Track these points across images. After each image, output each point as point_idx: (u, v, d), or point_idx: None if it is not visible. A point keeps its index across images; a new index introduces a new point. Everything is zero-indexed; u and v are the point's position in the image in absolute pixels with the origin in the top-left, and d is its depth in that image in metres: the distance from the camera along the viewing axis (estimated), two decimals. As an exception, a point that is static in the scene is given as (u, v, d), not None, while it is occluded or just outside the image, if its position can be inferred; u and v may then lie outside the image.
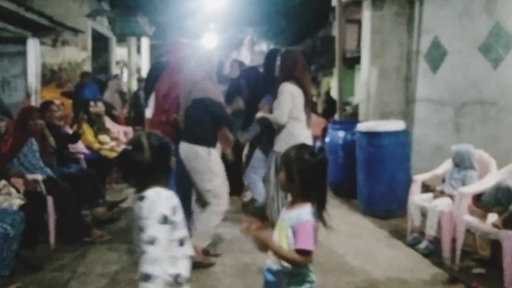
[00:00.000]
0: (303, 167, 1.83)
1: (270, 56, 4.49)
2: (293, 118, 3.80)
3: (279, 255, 1.83)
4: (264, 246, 1.82)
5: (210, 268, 3.47)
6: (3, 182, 3.44)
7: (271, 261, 1.90)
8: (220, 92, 3.57)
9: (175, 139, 3.82)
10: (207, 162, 3.43)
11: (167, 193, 1.72)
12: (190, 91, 3.45)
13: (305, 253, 1.78)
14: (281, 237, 1.84)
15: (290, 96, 3.74)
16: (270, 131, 4.02)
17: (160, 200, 1.67)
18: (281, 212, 1.97)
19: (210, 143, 3.48)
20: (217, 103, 3.46)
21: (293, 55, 3.97)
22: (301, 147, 1.93)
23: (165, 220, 1.65)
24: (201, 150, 3.42)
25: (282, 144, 3.65)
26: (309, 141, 3.83)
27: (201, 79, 3.44)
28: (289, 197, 1.97)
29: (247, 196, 5.29)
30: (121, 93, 9.20)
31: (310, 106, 3.98)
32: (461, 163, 3.79)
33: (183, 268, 1.73)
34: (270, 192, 3.94)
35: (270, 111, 3.92)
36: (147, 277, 1.61)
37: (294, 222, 1.81)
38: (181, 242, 1.73)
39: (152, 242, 1.62)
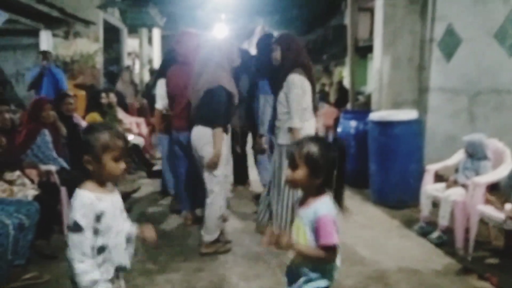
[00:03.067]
0: (329, 161, 1.80)
1: (264, 41, 4.40)
2: (302, 110, 3.68)
3: (306, 255, 1.80)
4: (289, 249, 1.79)
5: (222, 258, 3.50)
6: (17, 173, 3.50)
7: (293, 258, 1.89)
8: (232, 81, 3.53)
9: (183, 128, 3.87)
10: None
11: (91, 197, 1.68)
12: (202, 79, 3.44)
13: (330, 248, 1.75)
14: (299, 236, 1.81)
15: (302, 91, 3.62)
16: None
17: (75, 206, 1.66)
18: (296, 210, 1.92)
19: (216, 125, 3.40)
20: (220, 93, 3.39)
21: (295, 40, 3.78)
22: (318, 139, 1.88)
23: (78, 227, 1.63)
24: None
25: (287, 136, 3.60)
26: (312, 132, 3.72)
27: (212, 68, 3.42)
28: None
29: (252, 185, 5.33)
30: (133, 84, 9.24)
31: (315, 96, 3.88)
32: (474, 153, 3.74)
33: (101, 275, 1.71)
34: (278, 189, 3.73)
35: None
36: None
37: (312, 218, 1.77)
38: (101, 250, 1.70)
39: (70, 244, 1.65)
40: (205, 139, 3.42)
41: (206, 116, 3.41)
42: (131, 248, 1.85)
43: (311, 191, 1.84)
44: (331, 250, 1.76)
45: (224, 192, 3.57)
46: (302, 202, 1.87)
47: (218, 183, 3.46)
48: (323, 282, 1.82)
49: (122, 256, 1.78)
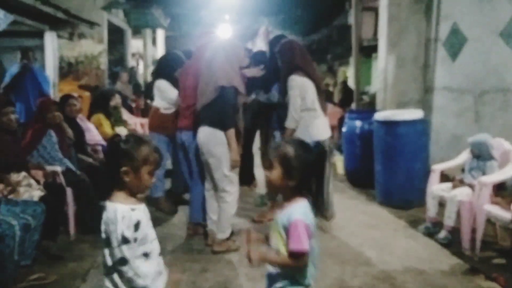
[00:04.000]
0: (304, 164, 1.76)
1: (274, 43, 4.36)
2: (308, 110, 3.75)
3: (276, 264, 1.78)
4: (259, 260, 1.77)
5: (227, 258, 3.50)
6: (23, 173, 3.51)
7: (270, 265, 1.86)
8: (241, 81, 3.52)
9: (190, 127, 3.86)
10: (227, 147, 3.42)
11: (126, 209, 1.68)
12: (211, 79, 3.43)
13: (299, 254, 1.70)
14: (277, 239, 1.78)
15: (298, 90, 3.69)
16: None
17: (118, 219, 1.65)
18: (276, 213, 1.87)
19: (228, 126, 3.42)
20: (232, 94, 3.41)
21: (289, 46, 3.89)
22: (296, 141, 1.87)
23: (125, 240, 1.64)
24: (223, 134, 3.41)
25: (302, 134, 3.59)
26: (327, 131, 3.80)
27: (222, 67, 3.42)
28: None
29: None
30: (136, 84, 9.26)
31: (323, 95, 3.91)
32: (480, 154, 3.72)
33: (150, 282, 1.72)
34: None
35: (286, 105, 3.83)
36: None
37: (285, 222, 1.73)
38: (147, 256, 1.72)
39: (122, 263, 1.65)
40: (216, 140, 3.42)
41: (217, 116, 3.40)
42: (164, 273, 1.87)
43: (287, 194, 1.81)
44: (299, 257, 1.70)
45: (236, 192, 3.57)
46: (280, 206, 1.83)
47: (230, 182, 3.48)
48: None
49: (160, 262, 1.81)
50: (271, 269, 1.82)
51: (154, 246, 1.78)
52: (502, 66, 4.41)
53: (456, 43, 5.03)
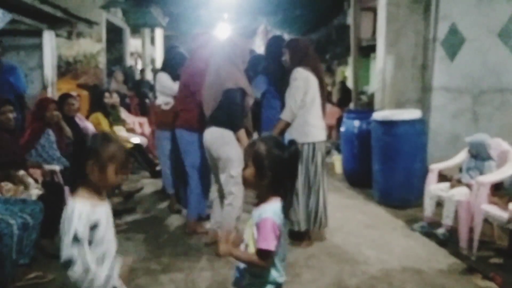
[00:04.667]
0: (275, 162, 1.74)
1: (273, 44, 4.27)
2: (308, 105, 3.59)
3: (241, 261, 1.79)
4: (227, 254, 1.78)
5: (226, 258, 3.49)
6: (22, 172, 3.50)
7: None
8: (248, 83, 3.51)
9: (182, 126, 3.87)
10: (235, 148, 3.40)
11: (85, 207, 1.67)
12: (217, 80, 3.42)
13: (265, 253, 1.69)
14: (249, 236, 1.78)
15: (302, 82, 3.54)
16: None
17: (74, 218, 1.64)
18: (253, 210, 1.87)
19: (237, 128, 3.41)
20: (240, 95, 3.39)
21: (302, 45, 3.75)
22: (271, 139, 1.84)
23: (76, 239, 1.63)
24: (231, 135, 3.41)
25: (296, 134, 3.54)
26: (322, 134, 3.70)
27: (228, 68, 3.41)
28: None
29: None
30: (133, 82, 9.26)
31: (325, 95, 3.82)
32: (478, 154, 3.73)
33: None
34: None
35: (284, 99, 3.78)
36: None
37: (257, 219, 1.74)
38: (102, 259, 1.72)
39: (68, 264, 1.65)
40: (223, 140, 3.41)
41: (225, 117, 3.39)
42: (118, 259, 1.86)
43: (261, 192, 1.81)
44: (265, 255, 1.70)
45: (242, 193, 3.52)
46: (256, 203, 1.83)
47: (236, 184, 3.41)
48: (268, 287, 1.78)
49: (115, 266, 1.80)
50: (239, 264, 1.84)
51: (109, 247, 1.77)
52: (500, 66, 4.42)
53: (454, 43, 5.04)
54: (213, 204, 3.83)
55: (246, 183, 1.84)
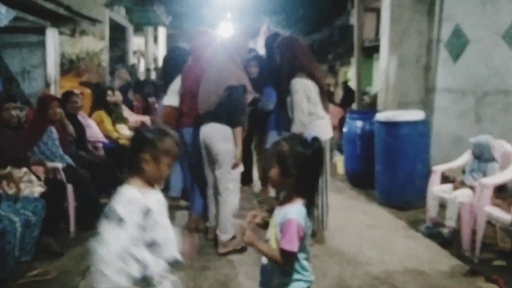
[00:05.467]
0: (299, 160, 1.73)
1: (270, 43, 4.23)
2: (310, 113, 3.61)
3: (264, 255, 1.79)
4: (250, 244, 1.79)
5: (227, 257, 3.50)
6: (24, 169, 3.50)
7: (264, 258, 1.86)
8: (248, 80, 3.52)
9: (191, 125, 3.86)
10: (232, 144, 3.41)
11: (137, 194, 1.66)
12: (218, 77, 3.42)
13: (287, 254, 1.70)
14: (272, 235, 1.79)
15: (303, 93, 3.55)
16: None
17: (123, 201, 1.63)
18: (276, 209, 1.87)
19: (236, 124, 3.42)
20: (241, 92, 3.41)
21: (289, 44, 3.72)
22: (294, 138, 1.84)
23: (121, 222, 1.60)
24: (230, 131, 3.41)
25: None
26: (328, 132, 3.72)
27: (229, 65, 3.42)
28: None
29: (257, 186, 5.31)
30: (136, 82, 9.26)
31: (326, 97, 3.80)
32: (481, 155, 3.72)
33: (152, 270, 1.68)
34: None
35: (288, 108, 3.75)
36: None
37: (281, 219, 1.74)
38: (151, 245, 1.68)
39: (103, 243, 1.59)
40: (220, 135, 3.42)
41: (225, 114, 3.39)
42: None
43: (287, 192, 1.81)
44: (287, 256, 1.71)
45: (238, 190, 3.55)
46: (282, 202, 1.83)
47: (233, 180, 3.44)
48: (300, 284, 1.79)
49: (174, 250, 1.75)
50: (265, 261, 1.84)
51: (168, 235, 1.73)
52: (504, 67, 4.41)
53: (458, 44, 5.02)
54: (208, 202, 3.82)
55: (273, 183, 1.84)
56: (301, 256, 1.77)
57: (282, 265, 1.74)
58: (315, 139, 1.81)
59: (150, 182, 1.75)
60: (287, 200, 1.79)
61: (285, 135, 1.89)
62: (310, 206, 1.79)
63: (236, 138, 3.40)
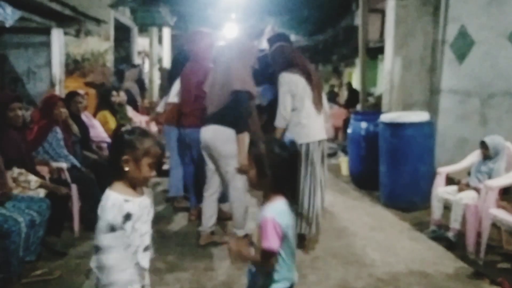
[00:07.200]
0: (275, 161, 1.78)
1: (273, 42, 4.17)
2: (298, 107, 3.52)
3: (249, 261, 1.84)
4: (235, 255, 1.83)
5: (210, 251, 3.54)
6: (18, 170, 3.43)
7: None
8: (254, 86, 3.51)
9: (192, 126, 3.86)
10: (235, 146, 3.40)
11: (119, 199, 1.71)
12: (225, 80, 3.41)
13: (267, 253, 1.72)
14: (256, 237, 1.81)
15: (287, 86, 3.50)
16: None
17: (108, 207, 1.69)
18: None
19: (241, 129, 3.41)
20: (247, 98, 3.39)
21: (280, 49, 3.71)
22: (270, 140, 1.89)
23: (112, 228, 1.67)
24: (233, 134, 3.40)
25: (301, 137, 3.51)
26: (317, 132, 3.59)
27: (236, 69, 3.40)
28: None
29: None
30: (140, 82, 9.26)
31: (318, 94, 3.63)
32: (496, 154, 3.68)
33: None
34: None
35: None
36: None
37: (260, 219, 1.77)
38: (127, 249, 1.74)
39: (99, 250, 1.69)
40: (225, 137, 3.41)
41: (231, 118, 3.38)
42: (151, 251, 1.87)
43: (265, 192, 1.84)
44: (267, 255, 1.73)
45: (245, 185, 3.53)
46: (262, 203, 1.86)
47: (241, 178, 3.43)
48: (281, 285, 1.81)
49: (144, 257, 1.81)
50: (250, 265, 1.88)
51: (142, 242, 1.78)
52: (509, 69, 4.39)
53: (463, 45, 5.01)
54: (203, 204, 3.77)
55: (250, 183, 1.89)
56: (284, 254, 1.79)
57: (264, 265, 1.77)
58: (292, 142, 1.86)
59: (134, 185, 1.77)
60: (266, 200, 1.83)
61: (263, 137, 1.93)
62: (290, 204, 1.81)
63: (240, 144, 3.35)
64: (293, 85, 3.50)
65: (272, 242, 1.70)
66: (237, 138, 3.38)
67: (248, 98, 3.40)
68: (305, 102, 3.54)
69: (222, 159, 3.47)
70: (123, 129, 1.79)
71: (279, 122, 3.55)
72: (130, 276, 1.74)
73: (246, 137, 3.37)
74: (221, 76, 3.46)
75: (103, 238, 1.68)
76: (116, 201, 1.70)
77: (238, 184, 3.49)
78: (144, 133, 1.78)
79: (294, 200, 1.85)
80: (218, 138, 3.44)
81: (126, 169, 1.72)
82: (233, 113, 3.37)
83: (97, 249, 1.71)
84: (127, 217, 1.70)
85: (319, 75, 3.90)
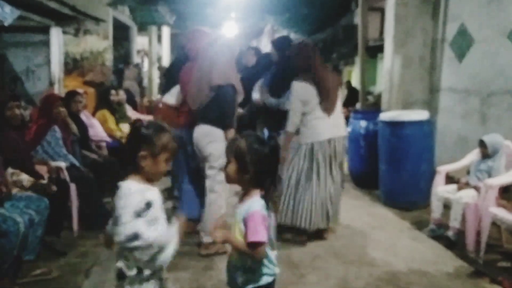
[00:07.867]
0: (256, 157, 1.80)
1: (281, 45, 4.26)
2: (309, 112, 3.64)
3: (239, 250, 1.81)
4: (225, 241, 1.82)
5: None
6: (11, 170, 3.38)
7: (231, 257, 1.90)
8: (239, 80, 3.52)
9: (188, 126, 3.85)
10: (222, 146, 3.37)
11: (139, 187, 1.69)
12: (211, 77, 3.40)
13: (257, 245, 1.74)
14: (236, 233, 1.81)
15: (300, 96, 3.60)
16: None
17: (131, 193, 1.66)
18: (236, 206, 1.90)
19: (227, 126, 3.41)
20: (231, 93, 3.39)
21: (297, 50, 3.77)
22: (251, 136, 1.89)
23: (138, 214, 1.64)
24: (220, 133, 3.39)
25: (305, 137, 3.64)
26: (329, 130, 3.67)
27: (221, 66, 3.40)
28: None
29: None
30: (139, 81, 9.27)
31: (331, 97, 3.71)
32: (494, 153, 3.68)
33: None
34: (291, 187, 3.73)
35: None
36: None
37: (244, 214, 1.78)
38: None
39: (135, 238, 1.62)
40: (211, 137, 3.40)
41: (215, 115, 3.38)
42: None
43: (244, 187, 1.86)
44: (257, 247, 1.74)
45: (225, 193, 3.49)
46: (240, 199, 1.88)
47: (220, 182, 3.39)
48: (265, 278, 1.82)
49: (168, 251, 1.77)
50: (232, 260, 1.88)
51: (162, 231, 1.76)
52: (509, 67, 4.38)
53: (463, 44, 5.00)
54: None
55: (228, 179, 1.88)
56: (267, 248, 1.80)
57: (255, 257, 1.78)
58: (272, 137, 1.87)
59: (149, 179, 1.76)
60: (246, 195, 1.84)
61: (243, 133, 1.93)
62: (267, 199, 1.83)
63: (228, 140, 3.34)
64: (304, 95, 3.62)
65: (262, 234, 1.73)
66: (225, 135, 3.36)
67: (232, 92, 3.38)
68: (314, 107, 3.65)
69: (208, 158, 3.44)
70: (140, 124, 1.77)
71: (290, 128, 3.68)
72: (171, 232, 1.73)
73: (232, 133, 3.36)
74: (204, 72, 3.45)
75: (133, 226, 1.61)
76: (138, 188, 1.68)
77: (217, 188, 3.43)
78: (161, 128, 1.77)
79: (270, 194, 1.84)
80: (204, 138, 3.44)
81: (143, 164, 1.71)
82: (218, 110, 3.37)
83: (132, 238, 1.62)
84: (148, 205, 1.68)
85: (335, 77, 3.91)
